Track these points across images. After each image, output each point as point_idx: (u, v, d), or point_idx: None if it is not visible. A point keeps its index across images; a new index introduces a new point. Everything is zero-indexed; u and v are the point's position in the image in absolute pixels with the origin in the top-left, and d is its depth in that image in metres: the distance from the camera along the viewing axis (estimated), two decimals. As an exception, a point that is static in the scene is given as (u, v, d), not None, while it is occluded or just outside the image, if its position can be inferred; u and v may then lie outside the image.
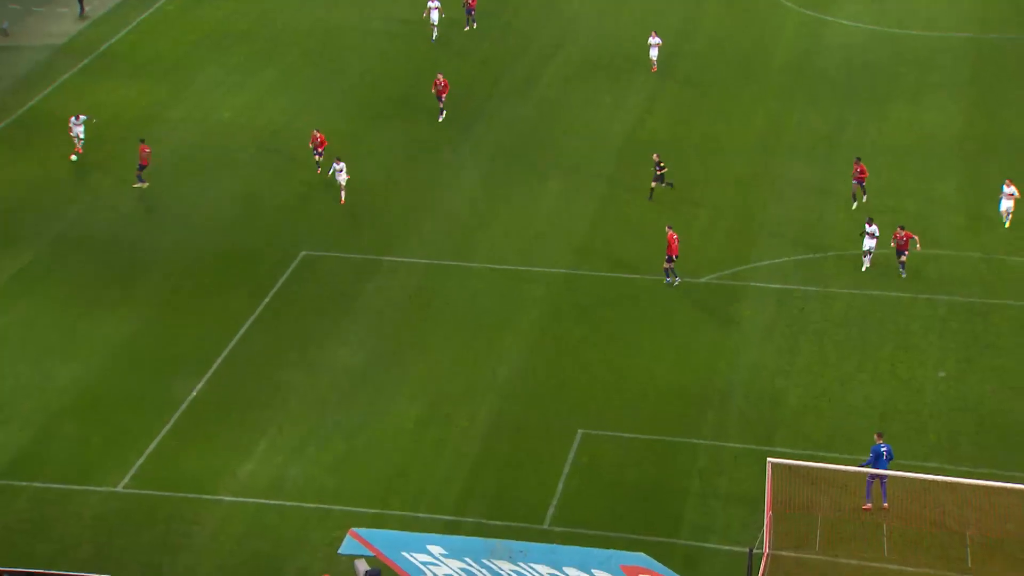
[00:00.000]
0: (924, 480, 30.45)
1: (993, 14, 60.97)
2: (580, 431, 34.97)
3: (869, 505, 31.03)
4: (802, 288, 41.49)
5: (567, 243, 44.23)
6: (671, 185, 46.43)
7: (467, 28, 60.60)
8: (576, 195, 46.63)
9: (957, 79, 54.96)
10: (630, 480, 33.29)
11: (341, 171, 46.46)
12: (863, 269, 41.53)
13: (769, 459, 30.40)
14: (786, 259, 43.11)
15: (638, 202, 46.52)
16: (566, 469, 33.59)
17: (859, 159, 45.76)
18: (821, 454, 33.65)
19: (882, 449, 31.18)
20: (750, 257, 43.24)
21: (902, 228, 41.64)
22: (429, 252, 44.11)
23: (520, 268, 42.86)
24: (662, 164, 46.26)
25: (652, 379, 37.36)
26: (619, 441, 34.74)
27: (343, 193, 46.28)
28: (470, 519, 32.13)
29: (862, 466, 31.30)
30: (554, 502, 32.49)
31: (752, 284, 41.80)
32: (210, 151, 50.89)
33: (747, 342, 38.98)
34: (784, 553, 30.26)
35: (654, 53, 55.75)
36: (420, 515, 32.35)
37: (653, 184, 46.23)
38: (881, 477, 31.06)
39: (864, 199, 45.33)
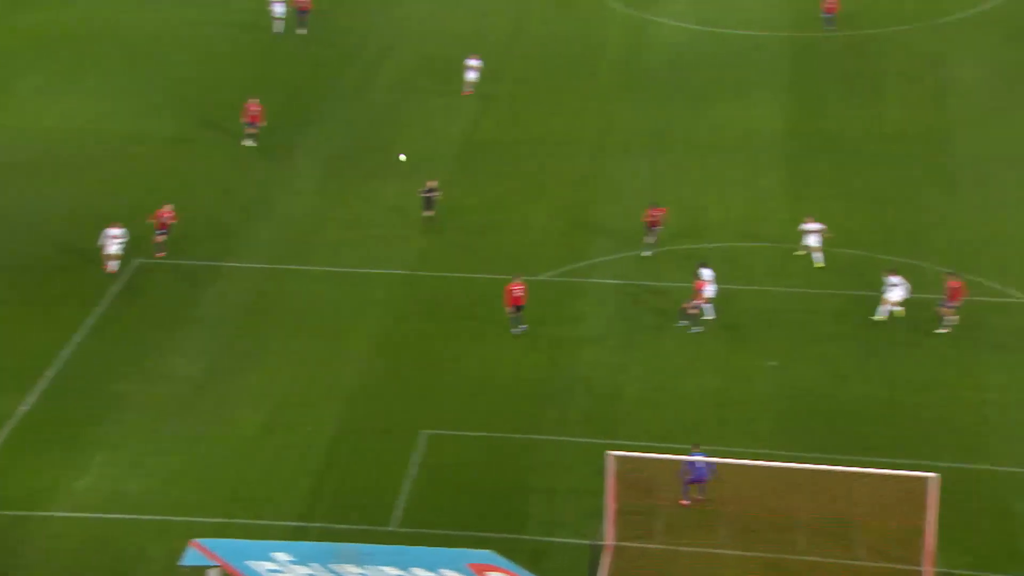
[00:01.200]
0: (757, 467, 31.13)
1: (807, 14, 62.83)
2: (424, 432, 34.83)
3: (687, 502, 31.64)
4: (638, 283, 42.07)
5: (406, 244, 43.93)
6: (432, 214, 44.31)
7: (299, 31, 59.87)
8: (414, 198, 46.51)
9: (777, 77, 56.55)
10: (475, 479, 33.26)
11: (116, 239, 41.40)
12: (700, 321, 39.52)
13: (609, 452, 30.55)
14: (623, 255, 43.65)
15: (476, 203, 46.56)
16: (411, 470, 33.41)
17: (655, 203, 43.22)
18: (661, 446, 34.09)
19: (697, 457, 31.43)
20: (588, 254, 43.64)
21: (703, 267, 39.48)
22: (267, 257, 43.40)
23: (359, 271, 42.39)
24: (434, 190, 44.59)
25: (493, 377, 37.32)
26: (463, 440, 34.67)
27: (110, 264, 41.46)
28: (316, 524, 31.65)
29: (682, 474, 31.50)
30: (400, 504, 32.29)
31: (591, 281, 42.24)
32: (34, 159, 49.08)
33: (586, 337, 39.36)
34: (627, 544, 30.51)
35: (472, 76, 53.81)
36: (265, 522, 31.82)
37: (425, 213, 44.25)
38: (697, 480, 31.38)
39: (654, 242, 42.65)
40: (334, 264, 42.82)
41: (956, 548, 30.52)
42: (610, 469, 30.44)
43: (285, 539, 30.78)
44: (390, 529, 31.46)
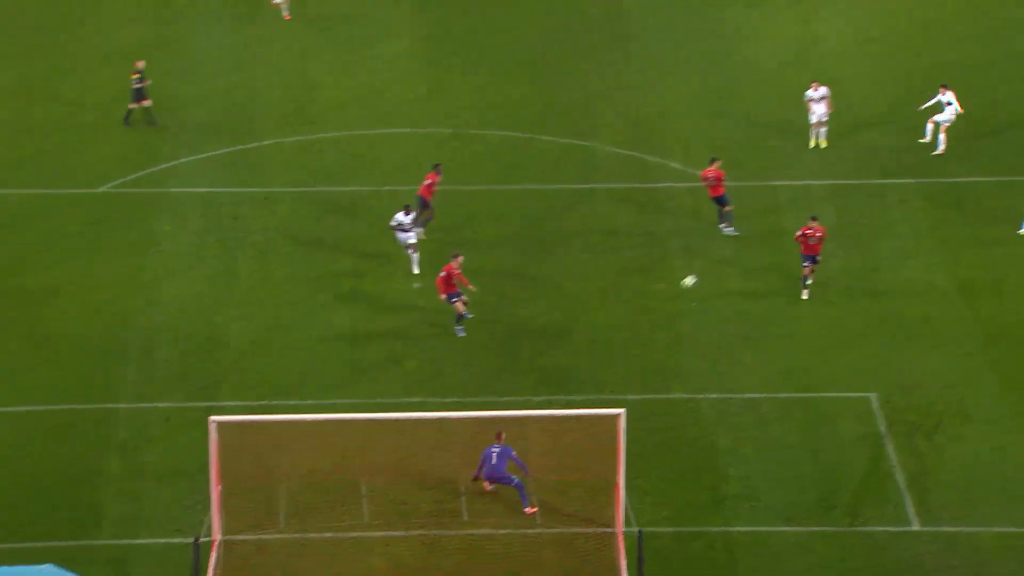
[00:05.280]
0: (409, 420, 31.88)
1: None
2: (-54, 412, 34.20)
3: (531, 509, 31.87)
4: (235, 190, 42.20)
5: None
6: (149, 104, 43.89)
7: None
8: None
9: None
10: (26, 470, 32.90)
11: None
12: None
13: (211, 417, 30.78)
14: (210, 154, 43.66)
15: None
16: (-75, 468, 32.86)
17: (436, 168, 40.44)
18: (278, 403, 34.60)
19: (493, 451, 31.73)
20: (161, 154, 43.47)
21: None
22: None
23: None
24: (142, 77, 43.56)
25: (45, 329, 37.11)
26: (15, 419, 34.26)
27: None
28: None
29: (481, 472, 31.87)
30: (-89, 516, 31.65)
31: (169, 191, 42.19)
32: None
33: (170, 268, 39.31)
34: (241, 537, 30.89)
35: None
36: None
37: (133, 105, 43.82)
38: (507, 480, 31.67)
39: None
40: None
41: (651, 499, 32.23)
42: (213, 440, 30.62)
43: None
44: None
